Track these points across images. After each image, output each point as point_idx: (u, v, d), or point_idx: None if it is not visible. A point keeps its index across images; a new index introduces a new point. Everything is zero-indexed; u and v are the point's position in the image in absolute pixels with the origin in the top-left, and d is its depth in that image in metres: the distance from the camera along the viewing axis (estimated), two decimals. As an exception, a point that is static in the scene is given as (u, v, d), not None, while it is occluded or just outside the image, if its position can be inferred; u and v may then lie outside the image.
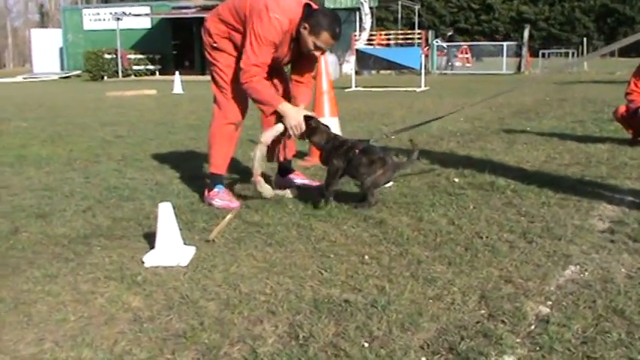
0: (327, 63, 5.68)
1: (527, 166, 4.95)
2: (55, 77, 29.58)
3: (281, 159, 4.39)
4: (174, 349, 2.01)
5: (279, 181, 4.40)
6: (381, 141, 4.23)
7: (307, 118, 3.85)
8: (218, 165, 4.01)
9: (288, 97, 4.08)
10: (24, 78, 30.13)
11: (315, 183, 4.39)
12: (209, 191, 3.98)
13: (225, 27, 3.86)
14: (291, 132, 3.83)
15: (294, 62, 4.07)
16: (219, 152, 4.00)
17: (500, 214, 3.51)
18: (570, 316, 2.15)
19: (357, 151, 3.72)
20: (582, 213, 3.49)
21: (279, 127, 3.85)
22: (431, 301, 2.34)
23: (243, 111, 4.00)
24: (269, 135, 3.88)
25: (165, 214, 2.90)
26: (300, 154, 5.43)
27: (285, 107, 3.81)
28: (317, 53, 3.90)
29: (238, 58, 3.82)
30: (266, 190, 3.84)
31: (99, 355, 1.98)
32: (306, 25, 3.71)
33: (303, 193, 4.06)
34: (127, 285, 2.57)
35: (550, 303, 2.29)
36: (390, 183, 4.22)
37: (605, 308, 2.21)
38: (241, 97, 3.91)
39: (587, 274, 2.57)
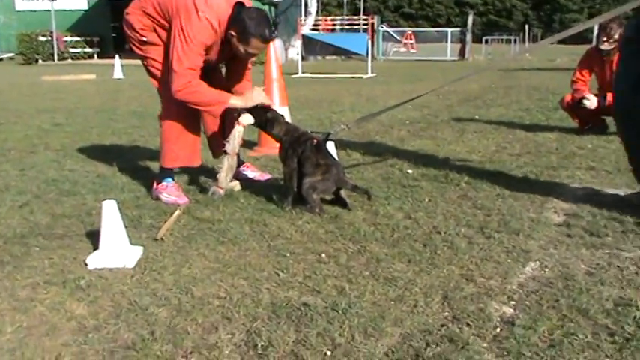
0: (275, 48, 5.52)
1: (478, 156, 4.94)
2: (-13, 60, 28.38)
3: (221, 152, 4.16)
4: (124, 363, 1.87)
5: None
6: (340, 133, 4.07)
7: (264, 110, 3.69)
8: (169, 158, 3.80)
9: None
10: (-47, 60, 28.83)
11: (266, 176, 4.26)
12: (157, 184, 3.80)
13: (150, 21, 3.61)
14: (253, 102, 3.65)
15: (229, 61, 3.87)
16: (171, 144, 3.77)
17: (457, 208, 3.46)
18: (535, 317, 2.10)
19: (310, 143, 3.57)
20: (537, 206, 3.47)
21: (240, 130, 3.67)
22: (393, 302, 2.26)
23: None
24: (235, 143, 3.69)
25: (110, 213, 2.73)
26: (250, 144, 5.29)
27: (235, 100, 3.63)
28: (251, 58, 3.77)
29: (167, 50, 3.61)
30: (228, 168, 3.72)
31: (40, 373, 1.82)
32: (233, 32, 3.48)
33: (256, 187, 3.93)
34: (70, 290, 2.40)
35: (513, 303, 2.24)
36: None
37: (569, 308, 2.17)
38: None
39: (547, 270, 2.54)
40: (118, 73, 15.95)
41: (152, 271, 2.60)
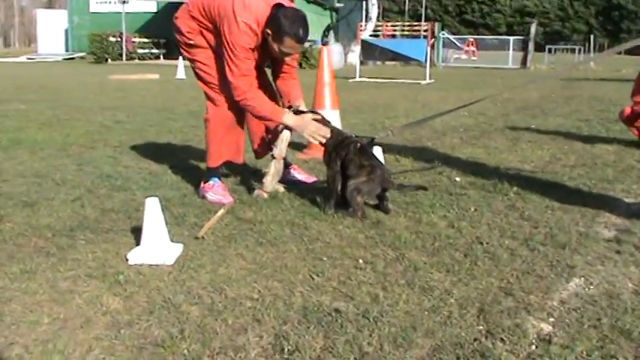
0: (331, 52, 5.52)
1: (531, 166, 4.81)
2: (59, 58, 29.45)
3: (264, 153, 4.15)
4: (151, 360, 1.89)
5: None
6: (386, 138, 4.06)
7: (313, 114, 3.72)
8: (214, 157, 3.86)
9: (273, 95, 3.92)
10: (28, 58, 30.02)
11: (313, 178, 4.25)
12: (204, 183, 3.84)
13: (197, 24, 3.66)
14: (313, 141, 3.70)
15: (274, 59, 3.85)
16: (216, 145, 3.82)
17: (503, 218, 3.38)
18: (574, 336, 2.02)
19: (354, 146, 3.55)
20: (587, 219, 3.36)
21: (287, 134, 3.70)
22: (426, 313, 2.22)
23: None
24: (282, 146, 3.73)
25: (152, 210, 2.77)
26: (299, 146, 5.30)
27: (289, 118, 3.64)
28: (287, 58, 3.76)
29: (215, 52, 3.67)
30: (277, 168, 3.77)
31: (69, 364, 1.86)
32: (269, 31, 3.48)
33: (301, 189, 3.93)
34: (109, 284, 2.45)
35: (553, 320, 2.16)
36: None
37: (611, 328, 2.08)
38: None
39: (592, 288, 2.44)
40: (180, 73, 16.26)
41: (189, 269, 2.63)
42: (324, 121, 3.73)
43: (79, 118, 7.73)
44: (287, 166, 4.22)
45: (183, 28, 3.72)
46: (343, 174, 3.51)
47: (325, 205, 3.52)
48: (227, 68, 3.52)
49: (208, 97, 3.79)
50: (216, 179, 3.84)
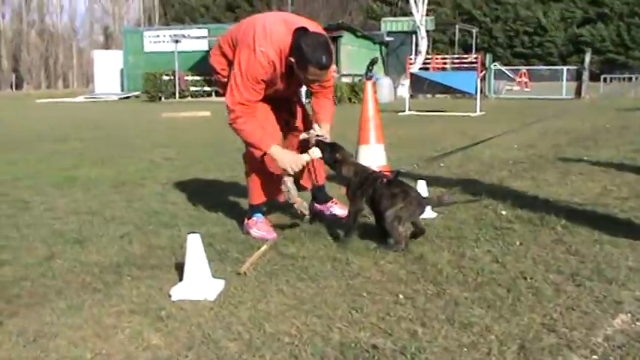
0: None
1: (580, 199, 4.71)
2: (115, 98, 30.39)
3: (308, 187, 4.15)
4: (188, 395, 1.91)
5: (314, 208, 4.18)
6: (412, 170, 4.05)
7: (334, 148, 3.70)
8: (255, 195, 3.91)
9: (307, 121, 3.96)
10: (85, 98, 31.07)
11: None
12: (248, 219, 3.90)
13: (226, 60, 3.71)
14: (289, 170, 3.61)
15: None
16: (255, 182, 3.88)
17: (549, 253, 3.31)
18: (617, 374, 1.96)
19: (381, 181, 3.56)
20: (638, 253, 3.26)
21: (306, 157, 3.70)
22: (465, 349, 2.18)
23: (276, 134, 3.82)
24: (290, 188, 3.69)
25: (194, 246, 2.82)
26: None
27: (275, 151, 3.60)
28: (314, 85, 3.75)
29: None
30: (302, 206, 3.71)
31: (109, 399, 1.90)
32: (293, 60, 3.45)
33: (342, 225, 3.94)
34: (151, 320, 2.50)
35: (596, 357, 2.10)
36: (433, 214, 4.08)
37: (657, 366, 2.01)
38: (266, 120, 3.77)
39: (639, 324, 2.37)
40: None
41: (230, 304, 2.66)
42: (347, 155, 3.72)
43: (130, 155, 7.95)
44: (326, 200, 4.24)
45: (217, 67, 3.79)
46: (376, 211, 3.54)
47: (344, 241, 3.56)
48: (229, 90, 3.53)
49: None
50: (260, 215, 3.89)
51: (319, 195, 4.24)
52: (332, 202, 4.27)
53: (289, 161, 3.60)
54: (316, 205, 4.23)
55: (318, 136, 3.74)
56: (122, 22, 74.14)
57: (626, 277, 2.88)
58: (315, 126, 3.82)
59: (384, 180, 3.56)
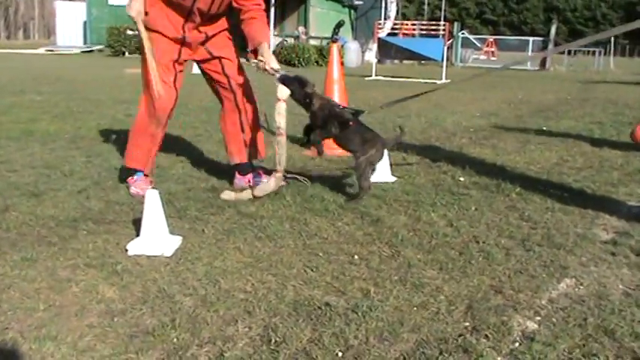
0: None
1: (537, 167, 4.81)
2: (78, 51, 29.65)
3: (243, 159, 4.03)
4: (140, 348, 1.93)
5: (238, 181, 4.07)
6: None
7: (303, 83, 3.62)
8: (137, 158, 3.89)
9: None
10: (46, 50, 30.27)
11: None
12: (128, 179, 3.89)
13: None
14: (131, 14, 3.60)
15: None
16: (133, 144, 3.89)
17: (502, 218, 3.40)
18: (557, 334, 2.04)
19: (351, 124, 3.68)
20: (587, 221, 3.36)
21: (282, 105, 3.59)
22: (415, 309, 2.25)
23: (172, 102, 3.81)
24: (282, 120, 3.61)
25: (152, 202, 2.82)
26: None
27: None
28: (243, 1, 3.61)
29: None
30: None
31: (61, 350, 1.90)
32: None
33: (304, 185, 3.96)
34: (106, 274, 2.50)
35: (539, 318, 2.18)
36: (392, 178, 4.14)
37: (595, 327, 2.10)
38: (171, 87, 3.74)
39: (582, 288, 2.46)
40: (196, 69, 16.26)
41: (187, 261, 2.67)
42: (314, 88, 3.69)
43: (91, 110, 7.81)
44: (254, 170, 4.11)
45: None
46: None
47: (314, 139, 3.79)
48: None
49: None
50: (140, 173, 3.88)
51: (244, 166, 4.09)
52: (258, 172, 4.12)
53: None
54: (238, 175, 4.09)
55: (274, 70, 3.61)
56: (86, -27, 72.00)
57: (574, 244, 2.97)
58: (264, 45, 3.63)
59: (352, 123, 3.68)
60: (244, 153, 4.01)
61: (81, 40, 32.42)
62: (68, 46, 31.06)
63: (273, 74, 3.62)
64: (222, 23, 3.83)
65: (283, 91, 3.60)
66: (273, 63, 3.62)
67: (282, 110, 3.61)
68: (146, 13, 3.61)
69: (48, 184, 3.96)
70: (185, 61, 3.84)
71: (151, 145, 3.85)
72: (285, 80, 3.61)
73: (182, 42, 3.72)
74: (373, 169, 3.76)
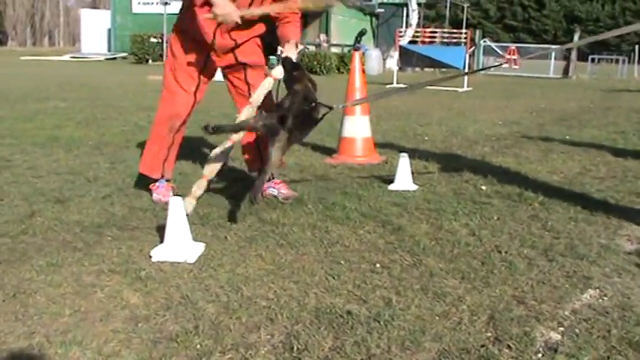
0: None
1: (560, 177, 4.78)
2: (102, 58, 30.02)
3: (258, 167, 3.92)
4: (164, 354, 1.95)
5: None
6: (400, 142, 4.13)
7: (296, 67, 3.43)
8: (150, 166, 3.96)
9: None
10: (71, 57, 30.68)
11: (292, 193, 3.94)
12: (152, 186, 3.95)
13: None
14: (221, 19, 3.43)
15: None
16: (152, 152, 3.93)
17: (524, 228, 3.38)
18: (581, 346, 2.03)
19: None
20: (610, 231, 3.34)
21: (270, 81, 3.54)
22: (437, 318, 2.25)
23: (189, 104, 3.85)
24: (260, 93, 3.53)
25: (176, 209, 2.85)
26: (329, 150, 5.36)
27: None
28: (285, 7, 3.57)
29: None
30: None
31: (86, 355, 1.93)
32: None
33: (325, 193, 3.97)
34: (130, 280, 2.53)
35: (562, 329, 2.17)
36: (414, 187, 4.14)
37: (619, 340, 2.08)
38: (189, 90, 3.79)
39: (605, 299, 2.44)
40: (219, 75, 16.38)
41: (209, 267, 2.70)
42: (308, 80, 3.45)
43: (115, 117, 7.91)
44: (270, 179, 3.92)
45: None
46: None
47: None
48: None
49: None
50: (162, 181, 3.94)
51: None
52: (274, 182, 4.00)
53: (223, 9, 3.41)
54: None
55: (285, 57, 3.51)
56: (111, -19, 72.92)
57: (597, 254, 2.95)
58: (291, 42, 3.60)
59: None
60: (259, 163, 3.94)
61: (105, 48, 32.82)
62: (92, 53, 31.46)
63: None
64: (254, 30, 3.77)
65: (278, 72, 3.51)
66: (290, 54, 3.53)
67: (268, 85, 3.55)
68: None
69: (73, 190, 4.01)
70: (212, 74, 3.90)
71: (164, 151, 3.88)
72: (285, 62, 3.46)
73: (210, 48, 3.71)
74: None
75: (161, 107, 3.85)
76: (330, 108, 3.56)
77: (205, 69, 3.82)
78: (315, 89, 3.45)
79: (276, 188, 3.96)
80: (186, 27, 3.71)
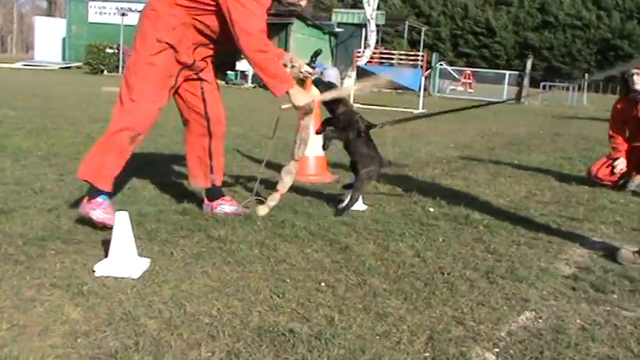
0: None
1: (506, 200, 4.90)
2: (56, 67, 29.55)
3: (208, 184, 3.95)
4: (102, 370, 1.94)
5: (206, 206, 3.95)
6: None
7: (332, 86, 4.09)
8: (103, 177, 3.51)
9: None
10: (23, 65, 30.10)
11: (242, 210, 3.95)
12: (89, 200, 3.48)
13: (186, 11, 3.42)
14: (306, 107, 3.69)
15: None
16: (108, 162, 3.51)
17: (468, 250, 3.46)
18: (515, 367, 2.09)
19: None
20: (550, 255, 3.44)
21: (307, 136, 3.95)
22: (378, 337, 2.28)
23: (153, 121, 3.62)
24: (302, 149, 3.96)
25: (121, 223, 2.83)
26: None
27: (297, 89, 3.58)
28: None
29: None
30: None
31: (22, 370, 1.91)
32: None
33: (275, 210, 3.99)
34: (72, 295, 2.50)
35: (497, 350, 2.23)
36: (363, 207, 4.20)
37: (551, 361, 2.15)
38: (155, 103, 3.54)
39: (541, 321, 2.51)
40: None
41: (153, 283, 2.68)
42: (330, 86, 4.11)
43: (66, 128, 7.80)
44: (218, 196, 3.96)
45: (165, 22, 3.47)
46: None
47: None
48: (246, 14, 3.33)
49: (121, 99, 3.57)
50: (105, 197, 3.53)
51: (213, 191, 3.98)
52: (223, 199, 3.98)
53: (306, 98, 3.68)
54: (207, 201, 3.98)
55: (308, 73, 4.07)
56: (68, -11, 71.98)
57: (536, 277, 3.04)
58: (286, 56, 3.88)
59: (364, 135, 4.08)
60: (209, 178, 3.92)
61: (59, 57, 32.33)
62: (46, 61, 30.93)
63: (307, 77, 4.09)
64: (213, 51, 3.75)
65: (315, 93, 4.03)
66: (306, 66, 3.97)
67: (293, 170, 3.97)
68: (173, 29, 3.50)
69: (18, 201, 3.94)
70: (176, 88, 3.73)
71: (122, 163, 3.60)
72: (318, 83, 4.07)
73: (187, 67, 3.62)
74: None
75: (121, 118, 3.54)
76: (374, 126, 4.21)
77: (175, 85, 3.67)
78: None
79: (226, 204, 3.95)
80: (175, 41, 3.51)
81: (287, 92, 3.53)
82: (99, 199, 3.48)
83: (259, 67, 3.47)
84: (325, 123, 4.21)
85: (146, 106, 3.52)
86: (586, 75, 30.96)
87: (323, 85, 4.05)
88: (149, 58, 3.48)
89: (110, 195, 3.59)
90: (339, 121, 4.08)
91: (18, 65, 29.82)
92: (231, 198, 4.07)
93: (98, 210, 3.43)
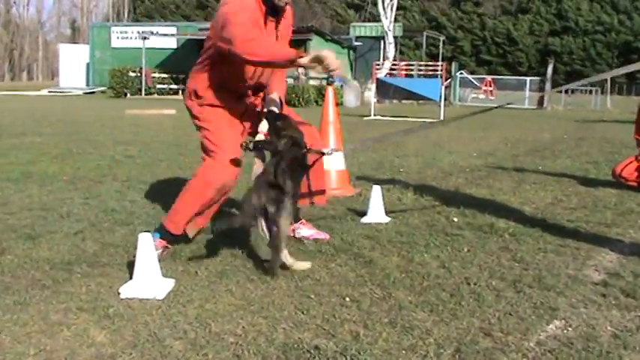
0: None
1: (531, 207, 4.84)
2: (80, 92, 30.05)
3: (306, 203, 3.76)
4: (128, 392, 1.94)
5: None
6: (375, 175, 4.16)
7: (275, 117, 3.36)
8: (179, 223, 3.43)
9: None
10: (49, 92, 30.65)
11: (322, 235, 3.85)
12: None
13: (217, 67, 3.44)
14: (333, 65, 3.13)
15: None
16: (186, 210, 3.43)
17: (494, 260, 3.41)
18: (545, 378, 2.05)
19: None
20: (579, 262, 3.38)
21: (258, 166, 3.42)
22: (404, 352, 2.25)
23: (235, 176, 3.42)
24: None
25: (145, 245, 2.85)
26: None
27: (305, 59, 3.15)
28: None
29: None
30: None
31: (49, 394, 1.92)
32: None
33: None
34: (98, 318, 2.52)
35: (527, 361, 2.19)
36: (387, 219, 4.17)
37: (583, 371, 2.11)
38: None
39: (570, 330, 2.46)
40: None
41: (178, 304, 2.69)
42: (290, 123, 3.35)
43: (91, 151, 7.90)
44: (296, 220, 3.79)
45: (199, 85, 3.61)
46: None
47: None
48: (230, 29, 3.18)
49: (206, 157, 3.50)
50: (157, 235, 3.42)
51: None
52: (300, 222, 3.86)
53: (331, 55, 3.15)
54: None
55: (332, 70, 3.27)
56: (90, 16, 73.31)
57: (565, 285, 2.98)
58: (274, 94, 3.57)
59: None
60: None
61: (83, 82, 32.88)
62: (71, 87, 31.47)
63: (330, 74, 3.45)
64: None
65: (264, 126, 3.43)
66: (272, 107, 3.50)
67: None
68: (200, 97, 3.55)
69: (44, 226, 3.99)
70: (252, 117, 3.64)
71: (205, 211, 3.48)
72: (268, 116, 3.41)
73: (243, 113, 3.61)
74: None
75: (207, 174, 3.42)
76: (322, 153, 3.56)
77: (244, 130, 3.62)
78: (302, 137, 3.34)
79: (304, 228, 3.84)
80: (224, 81, 3.50)
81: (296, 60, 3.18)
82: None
83: (256, 56, 3.19)
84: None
85: (224, 160, 3.40)
86: (608, 78, 30.58)
87: (272, 117, 3.36)
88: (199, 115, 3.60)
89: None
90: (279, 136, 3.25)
91: (44, 92, 30.39)
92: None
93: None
